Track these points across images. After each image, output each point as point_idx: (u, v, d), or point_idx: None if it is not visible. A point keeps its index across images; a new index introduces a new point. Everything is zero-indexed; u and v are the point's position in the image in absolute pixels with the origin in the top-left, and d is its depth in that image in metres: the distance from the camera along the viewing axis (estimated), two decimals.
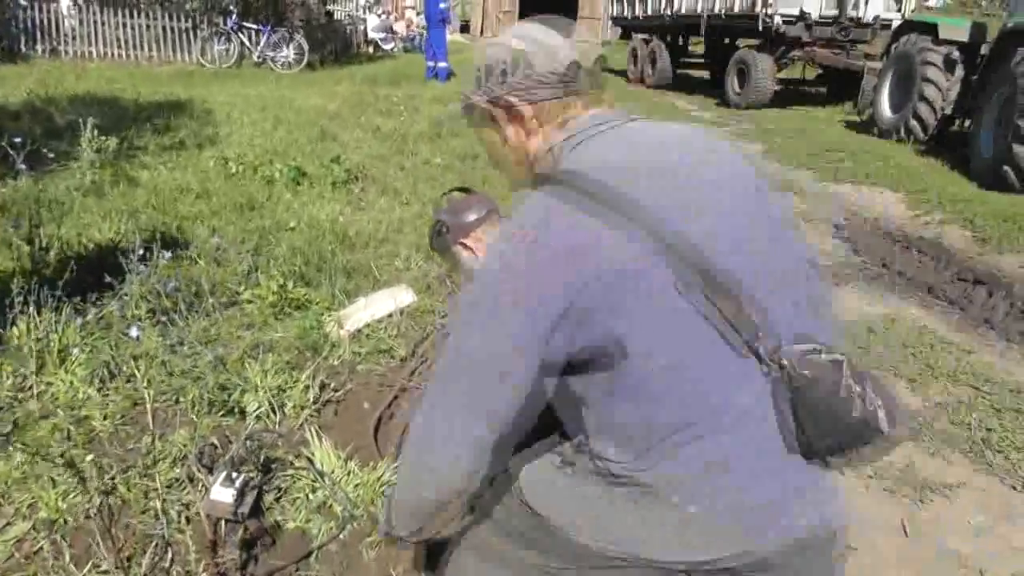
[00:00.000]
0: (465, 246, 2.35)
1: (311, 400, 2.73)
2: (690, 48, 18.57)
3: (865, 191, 7.35)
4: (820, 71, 15.19)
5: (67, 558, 1.90)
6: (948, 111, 9.22)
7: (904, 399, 3.35)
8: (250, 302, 3.49)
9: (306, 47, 14.25)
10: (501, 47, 1.29)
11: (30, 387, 2.64)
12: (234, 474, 2.00)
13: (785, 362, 1.07)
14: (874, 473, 2.80)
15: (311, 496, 2.20)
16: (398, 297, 3.64)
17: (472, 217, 2.37)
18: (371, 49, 18.79)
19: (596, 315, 1.06)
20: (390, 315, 3.51)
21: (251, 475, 2.14)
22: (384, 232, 4.80)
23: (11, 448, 2.31)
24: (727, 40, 16.18)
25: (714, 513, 1.11)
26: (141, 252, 3.42)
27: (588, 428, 1.18)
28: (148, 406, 2.56)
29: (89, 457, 2.25)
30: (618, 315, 1.05)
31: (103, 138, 5.41)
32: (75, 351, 2.77)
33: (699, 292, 1.05)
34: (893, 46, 10.28)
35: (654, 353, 1.07)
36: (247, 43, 14.16)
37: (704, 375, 1.08)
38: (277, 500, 2.23)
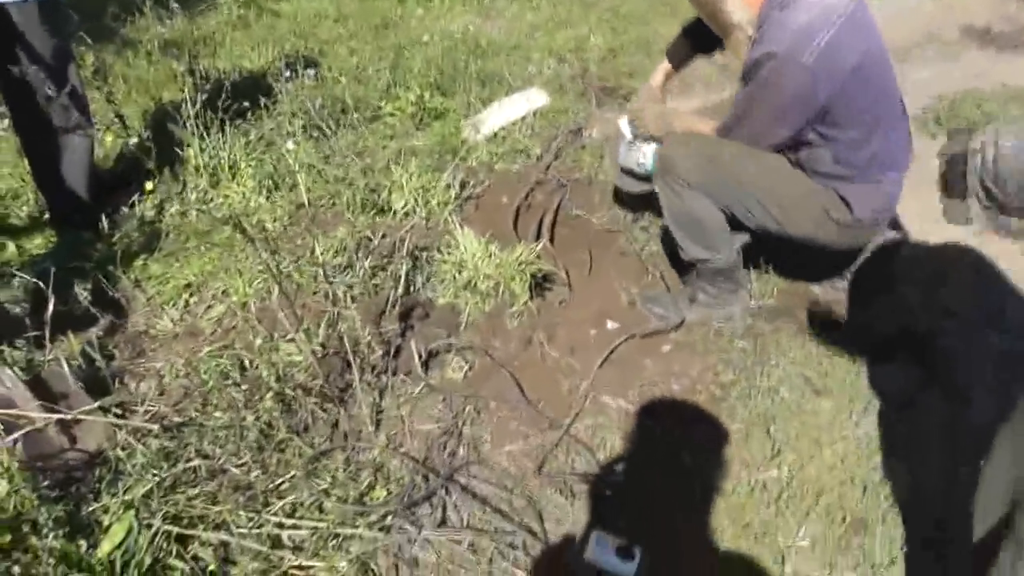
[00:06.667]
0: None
1: (452, 197, 2.90)
2: None
3: None
4: None
5: (257, 330, 2.23)
6: None
7: None
8: (391, 115, 3.64)
9: None
10: None
11: (211, 199, 2.98)
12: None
13: None
14: None
15: (457, 276, 2.40)
16: (531, 99, 3.66)
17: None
18: None
19: None
20: (524, 117, 3.56)
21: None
22: (516, 39, 4.74)
23: (203, 248, 2.68)
24: None
25: None
26: (288, 74, 3.63)
27: None
28: (308, 209, 2.84)
29: (265, 252, 2.56)
30: None
31: None
32: (243, 166, 3.07)
33: None
34: None
35: None
36: None
37: None
38: (428, 280, 2.46)
